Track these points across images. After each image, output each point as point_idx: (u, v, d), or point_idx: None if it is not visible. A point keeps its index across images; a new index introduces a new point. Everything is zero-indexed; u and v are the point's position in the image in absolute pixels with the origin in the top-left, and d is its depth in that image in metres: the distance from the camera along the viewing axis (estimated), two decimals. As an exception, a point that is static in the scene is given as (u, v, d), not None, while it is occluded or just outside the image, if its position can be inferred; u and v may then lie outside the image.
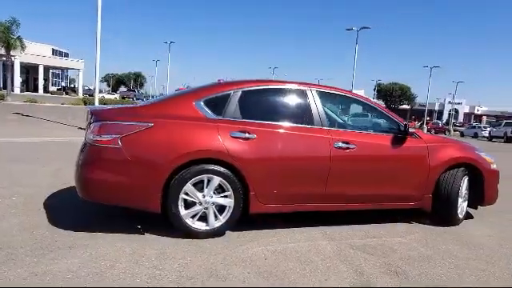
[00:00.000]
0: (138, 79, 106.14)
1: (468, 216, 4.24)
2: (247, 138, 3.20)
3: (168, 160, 2.99)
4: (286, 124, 3.41)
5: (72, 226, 3.20)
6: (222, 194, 3.17)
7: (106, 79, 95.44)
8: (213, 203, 3.15)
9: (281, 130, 3.36)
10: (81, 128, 11.63)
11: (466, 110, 77.43)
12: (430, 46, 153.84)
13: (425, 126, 38.09)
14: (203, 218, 3.16)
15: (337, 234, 3.50)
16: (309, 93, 3.61)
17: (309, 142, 3.42)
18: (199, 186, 3.11)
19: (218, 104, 3.29)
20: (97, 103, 12.20)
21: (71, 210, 3.74)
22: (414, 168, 3.77)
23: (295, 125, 3.44)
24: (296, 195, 3.42)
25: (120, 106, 3.73)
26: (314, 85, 3.76)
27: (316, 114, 3.52)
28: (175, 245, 2.97)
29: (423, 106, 69.17)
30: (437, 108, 73.38)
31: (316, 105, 3.56)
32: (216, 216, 3.18)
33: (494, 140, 29.58)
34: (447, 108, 68.12)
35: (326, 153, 3.42)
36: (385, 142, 3.68)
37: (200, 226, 3.15)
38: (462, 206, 3.99)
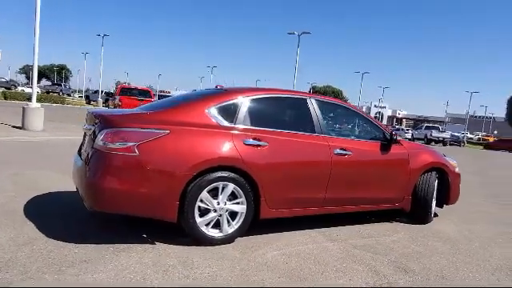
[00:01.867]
0: (61, 72, 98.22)
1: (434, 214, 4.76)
2: (259, 146, 3.28)
3: (186, 168, 2.96)
4: (292, 131, 3.55)
5: (72, 238, 3.01)
6: (234, 201, 3.21)
7: (24, 71, 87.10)
8: (226, 210, 3.18)
9: (288, 138, 3.49)
10: (17, 127, 10.61)
11: (389, 113, 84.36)
12: (362, 52, 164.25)
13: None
14: (216, 225, 3.18)
15: (334, 235, 3.73)
16: (309, 102, 3.79)
17: (313, 148, 3.60)
18: (213, 193, 3.12)
19: (228, 112, 3.32)
20: (34, 100, 11.14)
21: (60, 220, 3.50)
22: (399, 172, 4.15)
23: (300, 132, 3.59)
24: (301, 199, 3.57)
25: (124, 110, 3.56)
26: (312, 94, 3.96)
27: (317, 122, 3.71)
28: (193, 253, 2.95)
29: None
30: (364, 111, 79.03)
31: (316, 113, 3.75)
32: (229, 222, 3.21)
33: (415, 141, 32.71)
34: (373, 111, 73.54)
35: (328, 159, 3.63)
36: (375, 149, 4.00)
37: (214, 233, 3.16)
38: (433, 205, 4.48)
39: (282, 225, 3.72)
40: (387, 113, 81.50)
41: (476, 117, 75.59)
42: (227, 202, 3.18)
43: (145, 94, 19.06)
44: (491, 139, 48.59)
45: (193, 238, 3.10)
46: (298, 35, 31.03)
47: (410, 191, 4.25)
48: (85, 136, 3.65)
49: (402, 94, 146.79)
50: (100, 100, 37.44)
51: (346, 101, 79.72)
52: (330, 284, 2.64)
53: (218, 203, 3.13)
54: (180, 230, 3.17)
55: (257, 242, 3.32)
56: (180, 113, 3.19)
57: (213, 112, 3.25)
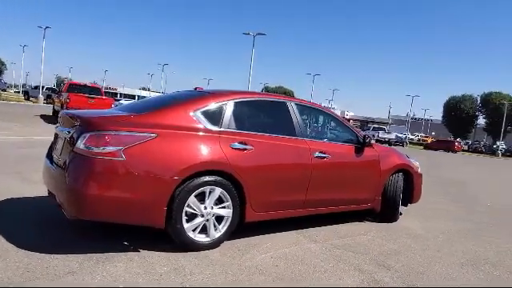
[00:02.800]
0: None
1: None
2: (245, 149, 3.28)
3: (175, 172, 2.88)
4: (275, 135, 3.59)
5: (47, 248, 2.82)
6: (221, 205, 3.18)
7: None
8: (213, 214, 3.15)
9: (272, 141, 3.52)
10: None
11: (338, 114, 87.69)
12: (313, 54, 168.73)
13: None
14: (203, 229, 3.13)
15: (314, 236, 3.83)
16: (289, 105, 3.85)
17: (295, 152, 3.66)
18: (200, 197, 3.07)
19: (214, 115, 3.28)
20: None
21: (29, 228, 3.25)
22: (371, 174, 4.35)
23: (282, 136, 3.64)
24: (283, 202, 3.63)
25: (104, 111, 3.37)
26: (292, 98, 4.03)
27: (297, 126, 3.79)
28: (182, 259, 2.88)
29: None
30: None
31: (296, 117, 3.83)
32: (215, 227, 3.18)
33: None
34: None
35: (308, 162, 3.72)
36: (350, 152, 4.17)
37: (201, 238, 3.12)
38: (400, 204, 4.75)
39: (262, 227, 3.73)
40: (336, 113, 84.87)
41: (416, 119, 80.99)
42: (214, 207, 3.14)
43: (95, 91, 18.10)
44: (429, 140, 52.38)
45: (180, 243, 3.03)
46: (253, 36, 31.26)
47: (380, 192, 4.47)
48: (56, 138, 3.43)
49: (349, 95, 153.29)
50: (41, 97, 35.01)
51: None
52: (324, 284, 2.71)
53: (205, 208, 3.09)
54: (161, 236, 3.11)
55: (242, 246, 3.32)
56: (166, 116, 3.09)
57: (199, 115, 3.20)
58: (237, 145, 3.24)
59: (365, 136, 4.30)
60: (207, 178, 3.05)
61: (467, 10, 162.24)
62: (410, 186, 4.85)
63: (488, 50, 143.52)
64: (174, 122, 3.07)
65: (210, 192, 3.09)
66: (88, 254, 2.80)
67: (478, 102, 59.93)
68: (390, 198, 4.53)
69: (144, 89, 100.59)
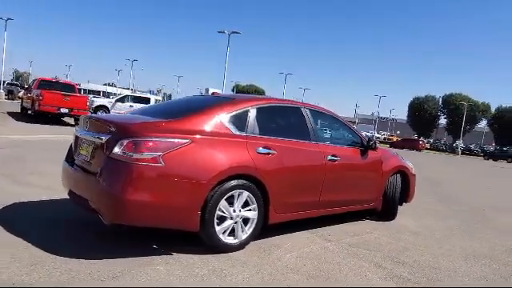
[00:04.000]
0: None
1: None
2: (269, 154, 3.42)
3: (209, 177, 2.98)
4: (293, 139, 3.75)
5: (82, 254, 2.83)
6: (247, 208, 3.31)
7: None
8: (240, 217, 3.27)
9: (291, 146, 3.68)
10: None
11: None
12: (286, 53, 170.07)
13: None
14: (231, 232, 3.25)
15: (326, 235, 4.03)
16: (303, 110, 4.03)
17: (310, 155, 3.84)
18: (229, 200, 3.18)
19: (240, 120, 3.39)
20: None
21: (52, 233, 3.24)
22: (375, 175, 4.62)
23: (299, 140, 3.81)
24: (301, 204, 3.80)
25: (134, 117, 3.37)
26: (305, 104, 4.20)
27: (311, 130, 3.97)
28: (216, 261, 2.99)
29: None
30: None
31: (310, 121, 4.01)
32: (242, 229, 3.30)
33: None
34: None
35: (322, 165, 3.92)
36: (357, 155, 4.40)
37: (230, 240, 3.23)
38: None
39: (275, 229, 3.82)
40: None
41: (381, 118, 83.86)
42: (241, 210, 3.26)
43: (69, 88, 17.48)
44: (395, 139, 54.53)
45: (211, 246, 3.13)
46: (228, 34, 31.24)
47: (381, 192, 4.75)
48: (77, 141, 3.42)
49: (320, 94, 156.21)
50: (1, 92, 33.29)
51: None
52: (354, 283, 2.91)
53: (234, 211, 3.20)
54: (187, 239, 3.20)
55: (265, 246, 3.45)
56: (197, 121, 3.17)
57: (227, 121, 3.30)
58: (262, 149, 3.37)
59: (369, 139, 4.56)
60: (236, 182, 3.16)
61: (429, 12, 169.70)
62: (405, 186, 5.17)
63: (450, 52, 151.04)
64: (206, 127, 3.16)
65: (238, 195, 3.21)
66: (125, 259, 2.84)
67: (440, 102, 63.04)
68: (390, 198, 4.82)
69: (110, 85, 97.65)
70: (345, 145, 4.43)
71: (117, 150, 2.81)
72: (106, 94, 74.58)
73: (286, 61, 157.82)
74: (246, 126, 3.41)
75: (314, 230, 4.14)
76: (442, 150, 49.17)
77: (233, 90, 74.82)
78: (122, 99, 23.00)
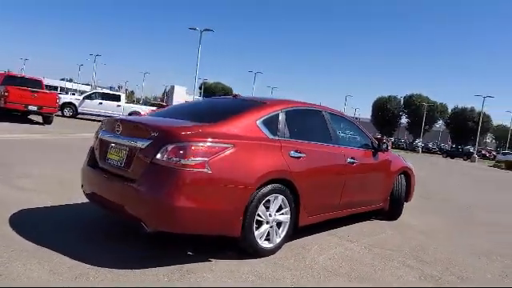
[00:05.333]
0: None
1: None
2: (300, 157, 3.45)
3: (251, 182, 2.96)
4: (318, 142, 3.80)
5: (123, 265, 2.73)
6: (280, 212, 3.32)
7: None
8: (275, 221, 3.27)
9: (317, 149, 3.74)
10: None
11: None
12: (258, 53, 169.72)
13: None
14: (267, 236, 3.24)
15: (346, 236, 4.12)
16: (324, 114, 4.09)
17: (333, 158, 3.92)
18: (265, 205, 3.18)
19: (272, 124, 3.39)
20: None
21: (84, 243, 3.09)
22: (385, 176, 4.78)
23: (323, 143, 3.87)
24: (326, 205, 3.87)
25: (172, 120, 3.25)
26: (324, 107, 4.26)
27: (332, 133, 4.05)
28: (256, 265, 2.98)
29: None
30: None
31: (331, 125, 4.08)
32: (276, 233, 3.31)
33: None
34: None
35: (344, 167, 4.01)
36: (370, 156, 4.53)
37: (265, 244, 3.23)
38: (402, 203, 5.25)
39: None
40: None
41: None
42: (276, 213, 3.27)
43: (36, 84, 16.54)
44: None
45: (249, 250, 3.12)
46: (200, 31, 30.85)
47: (389, 192, 4.92)
48: (103, 146, 3.28)
49: (288, 94, 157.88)
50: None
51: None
52: (392, 284, 3.01)
53: (270, 215, 3.21)
54: (216, 245, 3.19)
55: (293, 249, 3.48)
56: (236, 126, 3.13)
57: (261, 125, 3.29)
58: (293, 153, 3.39)
59: (379, 142, 4.71)
60: (273, 186, 3.17)
61: (391, 14, 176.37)
62: (408, 186, 5.38)
63: (412, 54, 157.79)
64: (245, 131, 3.13)
65: (274, 199, 3.22)
66: (166, 267, 2.76)
67: (402, 102, 65.79)
68: (396, 198, 5.00)
69: (68, 80, 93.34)
70: (359, 147, 4.54)
71: (161, 155, 2.73)
72: (65, 90, 71.23)
73: (254, 60, 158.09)
74: (278, 130, 3.42)
75: (331, 231, 4.21)
76: (403, 149, 51.37)
77: (200, 88, 73.91)
78: (91, 96, 22.15)
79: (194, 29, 30.87)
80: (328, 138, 3.98)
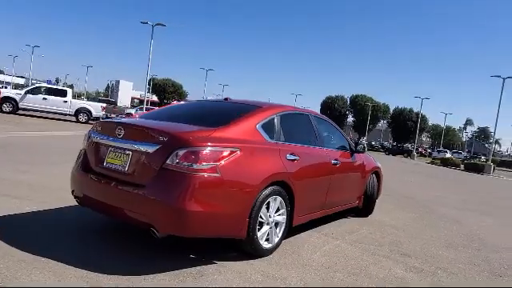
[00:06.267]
0: None
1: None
2: (295, 160, 3.59)
3: (256, 184, 3.05)
4: (307, 145, 3.98)
5: (122, 270, 2.70)
6: (278, 212, 3.45)
7: None
8: (273, 222, 3.39)
9: (308, 151, 3.91)
10: None
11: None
12: (210, 49, 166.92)
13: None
14: (267, 236, 3.35)
15: (330, 233, 4.35)
16: (310, 117, 4.28)
17: (321, 160, 4.12)
18: (266, 206, 3.28)
19: (269, 128, 3.50)
20: None
21: (84, 249, 2.99)
22: (361, 176, 5.09)
23: (312, 146, 4.05)
24: (314, 205, 4.06)
25: (176, 125, 3.19)
26: (310, 111, 4.45)
27: (318, 136, 4.25)
28: (261, 266, 3.09)
29: None
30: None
31: (316, 128, 4.28)
32: (275, 233, 3.43)
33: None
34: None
35: (329, 168, 4.23)
36: (349, 157, 4.80)
37: (265, 244, 3.33)
38: (373, 201, 5.62)
39: None
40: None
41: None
42: (274, 215, 3.39)
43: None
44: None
45: (252, 251, 3.20)
46: (152, 26, 29.94)
47: (363, 191, 5.25)
48: (99, 149, 3.18)
49: (238, 91, 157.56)
50: None
51: (186, 95, 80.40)
52: (381, 276, 3.27)
53: (270, 216, 3.32)
54: (216, 247, 3.24)
55: (286, 248, 3.61)
56: (240, 130, 3.19)
57: (260, 129, 3.38)
58: (289, 156, 3.53)
59: (356, 144, 5.01)
60: (273, 188, 3.28)
61: (340, 12, 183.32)
62: (377, 185, 5.76)
63: (359, 55, 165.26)
64: (246, 136, 3.21)
65: (273, 201, 3.33)
66: (175, 271, 2.78)
67: (348, 102, 68.90)
68: (369, 196, 5.35)
69: (1, 72, 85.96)
70: (339, 149, 4.79)
71: (171, 160, 2.72)
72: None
73: (205, 57, 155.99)
74: (274, 134, 3.53)
75: (314, 229, 4.40)
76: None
77: (149, 84, 71.54)
78: (33, 90, 20.61)
79: (146, 23, 29.89)
80: (315, 141, 4.17)
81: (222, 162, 2.84)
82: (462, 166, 30.50)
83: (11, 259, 2.64)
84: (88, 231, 3.51)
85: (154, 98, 72.62)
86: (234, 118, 3.31)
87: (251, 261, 3.16)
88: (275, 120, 3.60)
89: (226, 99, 4.08)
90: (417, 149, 54.26)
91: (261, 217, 3.21)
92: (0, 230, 3.19)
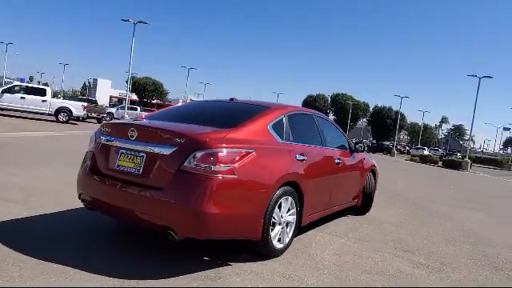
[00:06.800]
0: None
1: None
2: (304, 160, 3.62)
3: (271, 185, 3.07)
4: (315, 145, 4.02)
5: (137, 275, 2.67)
6: (289, 212, 3.46)
7: None
8: (285, 222, 3.41)
9: (315, 151, 3.94)
10: None
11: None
12: (187, 48, 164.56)
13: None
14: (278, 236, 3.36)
15: (333, 232, 4.40)
16: (314, 117, 4.32)
17: (326, 159, 4.16)
18: (279, 207, 3.29)
19: (279, 128, 3.51)
20: None
21: (93, 254, 2.92)
22: (360, 174, 5.17)
23: (318, 146, 4.09)
24: (320, 204, 4.10)
25: (195, 126, 3.14)
26: (314, 111, 4.48)
27: (323, 136, 4.30)
28: (275, 266, 3.10)
29: (170, 101, 77.34)
30: (180, 104, 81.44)
31: (322, 128, 4.33)
32: (286, 233, 3.45)
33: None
34: (187, 105, 75.69)
35: (333, 167, 4.28)
36: (349, 156, 4.87)
37: (278, 244, 3.34)
38: (371, 198, 5.72)
39: None
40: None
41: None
42: (285, 215, 3.40)
43: None
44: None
45: (265, 252, 3.21)
46: (134, 23, 29.43)
47: (362, 189, 5.34)
48: (108, 151, 3.11)
49: (220, 90, 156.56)
50: None
51: (166, 93, 79.34)
52: (392, 271, 3.34)
53: (282, 216, 3.33)
54: (228, 248, 3.24)
55: (296, 248, 3.64)
56: (254, 131, 3.19)
57: (271, 129, 3.39)
58: (299, 156, 3.55)
59: (356, 143, 5.09)
60: (285, 189, 3.29)
61: (315, 14, 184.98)
62: (374, 183, 5.86)
63: (338, 55, 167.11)
64: (259, 136, 3.21)
65: (285, 201, 3.34)
66: (193, 274, 2.76)
67: (329, 101, 69.69)
68: (367, 194, 5.44)
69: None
70: (340, 148, 4.86)
71: (190, 162, 2.69)
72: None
73: (187, 56, 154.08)
74: (284, 134, 3.54)
75: (317, 228, 4.44)
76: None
77: (127, 82, 70.23)
78: (11, 89, 19.89)
79: (127, 20, 29.34)
80: (320, 140, 4.21)
81: (239, 164, 2.83)
82: (441, 163, 31.39)
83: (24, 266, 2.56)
84: (97, 234, 3.43)
85: (134, 97, 71.42)
86: (246, 119, 3.30)
87: (265, 262, 3.17)
88: (284, 120, 3.62)
89: (231, 99, 4.07)
90: (396, 146, 55.51)
91: (274, 217, 3.21)
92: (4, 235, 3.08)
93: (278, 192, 3.19)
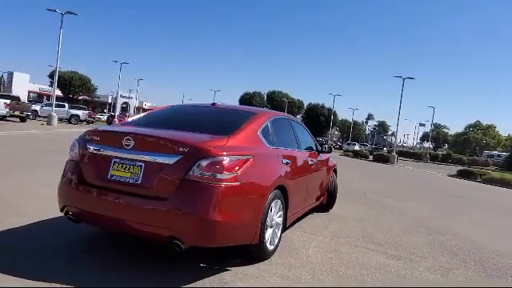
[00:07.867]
0: None
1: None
2: (288, 163, 3.77)
3: (267, 189, 3.17)
4: (292, 148, 4.18)
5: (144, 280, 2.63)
6: (278, 215, 3.59)
7: None
8: (275, 224, 3.53)
9: (294, 154, 4.11)
10: None
11: (136, 104, 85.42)
12: (122, 43, 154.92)
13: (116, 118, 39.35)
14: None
15: (308, 230, 4.63)
16: (290, 121, 4.49)
17: (303, 161, 4.36)
18: (270, 210, 3.40)
19: (266, 133, 3.61)
20: None
21: (74, 265, 2.78)
22: (327, 174, 5.47)
23: (295, 148, 4.27)
24: (299, 205, 4.28)
25: (192, 135, 3.06)
26: (288, 115, 4.64)
27: (297, 139, 4.49)
28: (270, 268, 3.20)
29: (98, 98, 73.29)
30: (110, 101, 77.14)
31: (296, 131, 4.51)
32: (275, 235, 3.57)
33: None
34: (120, 101, 71.90)
35: (307, 168, 4.50)
36: (318, 157, 5.13)
37: (269, 246, 3.45)
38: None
39: None
40: (134, 104, 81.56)
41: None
42: (275, 217, 3.52)
43: None
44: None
45: (259, 255, 3.30)
46: (62, 14, 27.22)
47: (327, 187, 5.65)
48: (97, 161, 2.97)
49: (152, 86, 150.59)
50: None
51: (95, 89, 74.80)
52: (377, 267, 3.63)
53: (273, 219, 3.45)
54: (219, 253, 3.29)
55: (286, 248, 3.77)
56: (245, 137, 3.24)
57: (260, 135, 3.48)
58: (284, 160, 3.69)
59: (322, 144, 5.38)
60: (276, 192, 3.41)
61: (257, 13, 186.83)
62: (335, 181, 6.23)
63: (276, 53, 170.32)
64: (251, 143, 3.28)
65: (275, 204, 3.46)
66: (198, 281, 2.76)
67: (265, 98, 71.04)
68: (331, 192, 5.77)
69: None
70: (309, 149, 5.09)
71: (194, 171, 2.68)
72: None
73: (118, 49, 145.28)
74: (270, 139, 3.65)
75: (293, 228, 4.63)
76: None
77: (51, 77, 64.93)
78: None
79: (54, 10, 27.01)
80: (296, 144, 4.40)
81: (241, 171, 2.88)
82: (371, 157, 33.83)
83: None
84: (86, 247, 3.24)
85: (58, 92, 66.16)
86: (239, 126, 3.35)
87: (258, 265, 3.26)
88: (269, 126, 3.72)
89: (213, 104, 4.06)
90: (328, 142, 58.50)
91: (267, 221, 3.31)
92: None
93: (271, 196, 3.30)
